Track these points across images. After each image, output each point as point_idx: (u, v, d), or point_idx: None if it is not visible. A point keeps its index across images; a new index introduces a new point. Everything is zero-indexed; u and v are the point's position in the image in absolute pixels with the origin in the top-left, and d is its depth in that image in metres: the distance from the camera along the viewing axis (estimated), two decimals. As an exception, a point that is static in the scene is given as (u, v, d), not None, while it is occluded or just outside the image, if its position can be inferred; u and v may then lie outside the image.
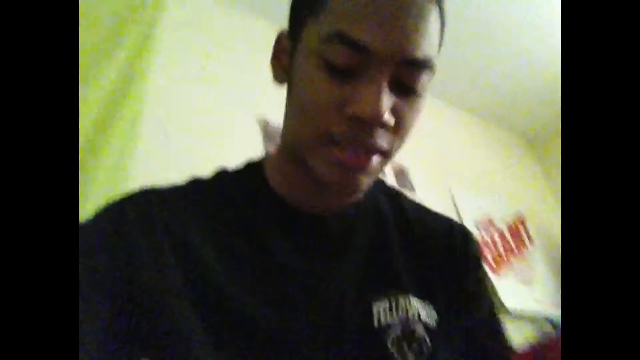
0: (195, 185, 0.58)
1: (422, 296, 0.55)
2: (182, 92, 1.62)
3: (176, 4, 1.75)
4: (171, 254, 0.49)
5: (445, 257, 0.59)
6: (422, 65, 0.46)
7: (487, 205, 2.41)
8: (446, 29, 0.51)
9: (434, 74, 0.48)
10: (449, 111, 2.72)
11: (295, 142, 0.52)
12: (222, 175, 0.60)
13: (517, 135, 3.04)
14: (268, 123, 1.73)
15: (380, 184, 0.66)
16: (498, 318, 0.61)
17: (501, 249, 2.31)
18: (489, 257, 2.20)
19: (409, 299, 0.53)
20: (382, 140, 0.47)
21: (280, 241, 0.54)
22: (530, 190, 2.81)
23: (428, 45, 0.46)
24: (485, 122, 2.89)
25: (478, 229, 2.24)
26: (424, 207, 0.66)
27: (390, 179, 1.97)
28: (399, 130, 0.48)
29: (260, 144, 1.66)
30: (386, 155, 0.49)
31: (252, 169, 0.61)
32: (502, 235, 2.37)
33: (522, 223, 2.53)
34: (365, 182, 0.49)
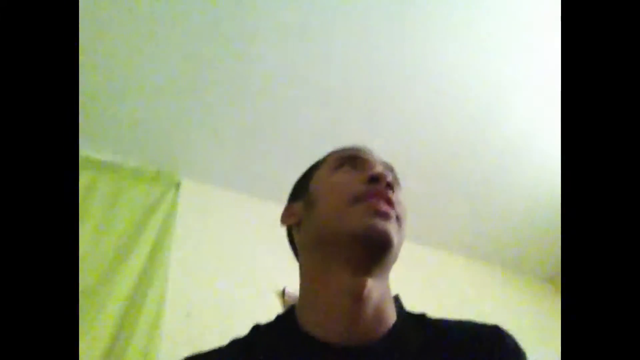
0: (234, 343, 0.64)
1: None
2: (201, 275, 1.70)
3: (189, 195, 1.95)
4: None
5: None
6: (390, 168, 0.71)
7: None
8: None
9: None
10: (466, 263, 2.74)
11: (326, 230, 0.62)
12: (256, 329, 0.65)
13: (534, 277, 2.98)
14: (286, 293, 1.78)
15: (405, 314, 0.67)
16: None
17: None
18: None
19: None
20: (394, 197, 0.62)
21: None
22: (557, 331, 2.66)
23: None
24: (501, 270, 2.86)
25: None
26: (453, 320, 0.68)
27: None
28: (398, 201, 0.63)
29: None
30: (398, 219, 0.62)
31: (283, 316, 0.67)
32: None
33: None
34: (394, 233, 0.59)
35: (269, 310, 1.70)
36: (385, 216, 0.59)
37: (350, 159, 0.69)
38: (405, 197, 0.67)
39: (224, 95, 1.89)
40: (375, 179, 0.62)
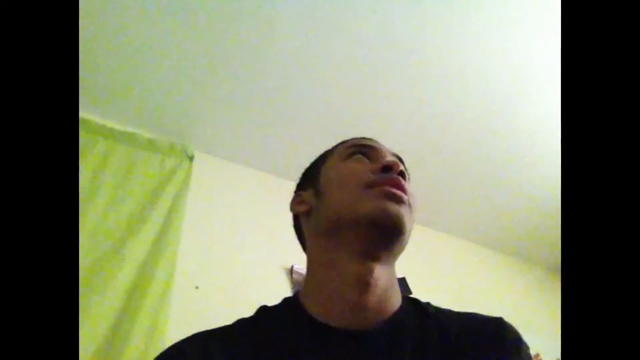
0: (240, 323, 0.64)
1: None
2: (211, 249, 1.72)
3: (201, 169, 1.96)
4: None
5: (488, 353, 0.59)
6: (400, 159, 0.71)
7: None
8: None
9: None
10: (474, 249, 2.74)
11: (338, 216, 0.62)
12: (262, 311, 0.66)
13: (540, 266, 2.98)
14: (294, 271, 1.79)
15: (409, 300, 0.67)
16: None
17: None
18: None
19: None
20: (405, 184, 0.62)
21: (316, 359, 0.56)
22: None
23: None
24: (509, 257, 2.86)
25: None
26: (457, 312, 0.67)
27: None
28: (409, 190, 0.64)
29: (289, 291, 1.70)
30: (409, 206, 0.62)
31: (289, 300, 0.67)
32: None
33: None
34: (406, 217, 0.60)
35: (277, 286, 1.73)
36: (398, 200, 0.60)
37: (362, 149, 0.69)
38: (417, 182, 0.67)
39: (240, 70, 1.88)
40: (388, 168, 0.63)
